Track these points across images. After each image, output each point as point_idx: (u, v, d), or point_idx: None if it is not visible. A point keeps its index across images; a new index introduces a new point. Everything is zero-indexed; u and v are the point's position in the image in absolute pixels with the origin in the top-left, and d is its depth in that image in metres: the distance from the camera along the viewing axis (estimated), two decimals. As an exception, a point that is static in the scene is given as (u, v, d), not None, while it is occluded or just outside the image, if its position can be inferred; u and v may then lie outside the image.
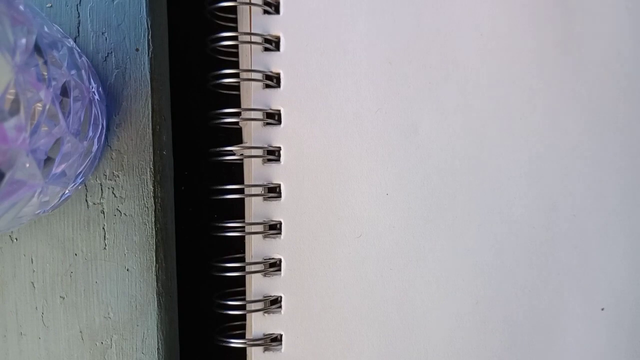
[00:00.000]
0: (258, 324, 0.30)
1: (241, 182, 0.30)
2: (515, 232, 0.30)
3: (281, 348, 0.30)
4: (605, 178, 0.30)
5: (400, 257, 0.30)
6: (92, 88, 0.25)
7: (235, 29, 0.30)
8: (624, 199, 0.30)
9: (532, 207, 0.30)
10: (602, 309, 0.30)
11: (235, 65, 0.30)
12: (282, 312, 0.30)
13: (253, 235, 0.30)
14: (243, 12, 0.30)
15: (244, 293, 0.30)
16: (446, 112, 0.29)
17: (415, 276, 0.30)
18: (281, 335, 0.30)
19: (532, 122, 0.29)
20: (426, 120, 0.29)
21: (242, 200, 0.30)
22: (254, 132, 0.30)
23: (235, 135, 0.31)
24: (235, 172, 0.31)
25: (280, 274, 0.30)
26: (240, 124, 0.30)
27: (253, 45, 0.29)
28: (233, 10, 0.30)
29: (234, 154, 0.29)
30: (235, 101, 0.30)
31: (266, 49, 0.29)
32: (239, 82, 0.30)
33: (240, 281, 0.30)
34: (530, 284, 0.30)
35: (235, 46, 0.29)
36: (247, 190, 0.29)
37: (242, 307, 0.30)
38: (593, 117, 0.30)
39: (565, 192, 0.30)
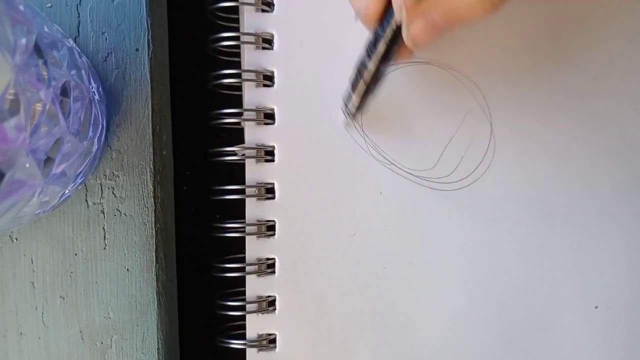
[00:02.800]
0: (252, 324, 0.30)
1: (243, 182, 0.30)
2: (510, 230, 0.30)
3: (275, 348, 0.30)
4: (600, 176, 0.30)
5: (394, 256, 0.30)
6: (92, 88, 0.25)
7: (235, 29, 0.30)
8: (618, 197, 0.30)
9: (526, 205, 0.30)
10: (596, 307, 0.30)
11: (236, 65, 0.30)
12: (277, 312, 0.30)
13: (247, 236, 0.30)
14: (244, 12, 0.30)
15: (244, 293, 0.30)
16: (439, 112, 0.29)
17: (410, 274, 0.30)
18: (275, 335, 0.30)
19: (524, 120, 0.30)
20: (419, 118, 0.29)
21: (243, 201, 0.30)
22: (248, 132, 0.30)
23: (237, 135, 0.31)
24: (237, 172, 0.31)
25: (274, 274, 0.30)
26: (242, 124, 0.30)
27: (248, 44, 0.29)
28: (234, 10, 0.30)
29: (235, 154, 0.29)
30: (236, 101, 0.30)
31: (261, 47, 0.29)
32: (240, 82, 0.30)
33: (241, 282, 0.30)
34: (524, 281, 0.30)
35: (236, 46, 0.29)
36: (247, 191, 0.30)
37: (242, 308, 0.30)
38: (586, 115, 0.30)
39: (559, 190, 0.30)
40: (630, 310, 0.30)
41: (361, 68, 0.25)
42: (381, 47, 0.24)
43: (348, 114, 0.27)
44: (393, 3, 0.23)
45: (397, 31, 0.23)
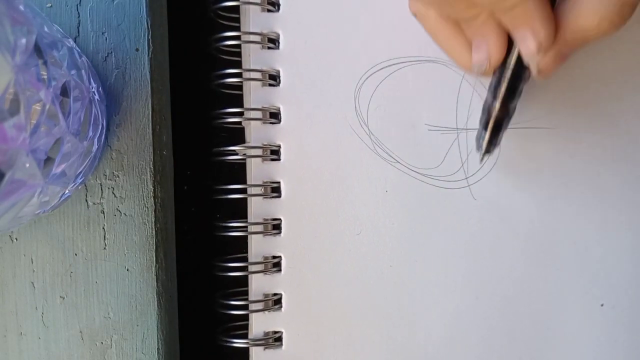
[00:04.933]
0: (258, 322, 0.30)
1: (244, 181, 0.30)
2: (515, 228, 0.30)
3: (282, 346, 0.30)
4: (605, 173, 0.30)
5: (400, 254, 0.30)
6: (92, 88, 0.25)
7: (237, 29, 0.30)
8: (623, 194, 0.30)
9: (531, 203, 0.30)
10: (602, 305, 0.30)
11: (237, 64, 0.30)
12: (283, 309, 0.30)
13: (253, 234, 0.30)
14: (245, 12, 0.30)
15: (246, 293, 0.30)
16: (445, 110, 0.29)
17: (415, 272, 0.30)
18: (282, 333, 0.30)
19: (529, 117, 0.30)
20: (425, 116, 0.29)
21: (245, 200, 0.30)
22: (254, 131, 0.30)
23: (238, 135, 0.31)
24: (239, 171, 0.31)
25: (280, 272, 0.30)
26: (243, 123, 0.30)
27: (252, 44, 0.29)
28: (236, 9, 0.30)
29: (237, 154, 0.30)
30: (236, 100, 0.30)
31: (266, 47, 0.29)
32: (241, 82, 0.30)
33: (242, 281, 0.30)
34: (529, 279, 0.30)
35: (238, 45, 0.30)
36: (249, 190, 0.30)
37: (245, 307, 0.30)
38: (592, 112, 0.30)
39: (564, 188, 0.30)
40: (635, 309, 0.30)
41: (489, 108, 0.26)
42: (504, 87, 0.25)
43: (482, 152, 0.28)
44: (522, 52, 0.24)
45: (516, 69, 0.25)
